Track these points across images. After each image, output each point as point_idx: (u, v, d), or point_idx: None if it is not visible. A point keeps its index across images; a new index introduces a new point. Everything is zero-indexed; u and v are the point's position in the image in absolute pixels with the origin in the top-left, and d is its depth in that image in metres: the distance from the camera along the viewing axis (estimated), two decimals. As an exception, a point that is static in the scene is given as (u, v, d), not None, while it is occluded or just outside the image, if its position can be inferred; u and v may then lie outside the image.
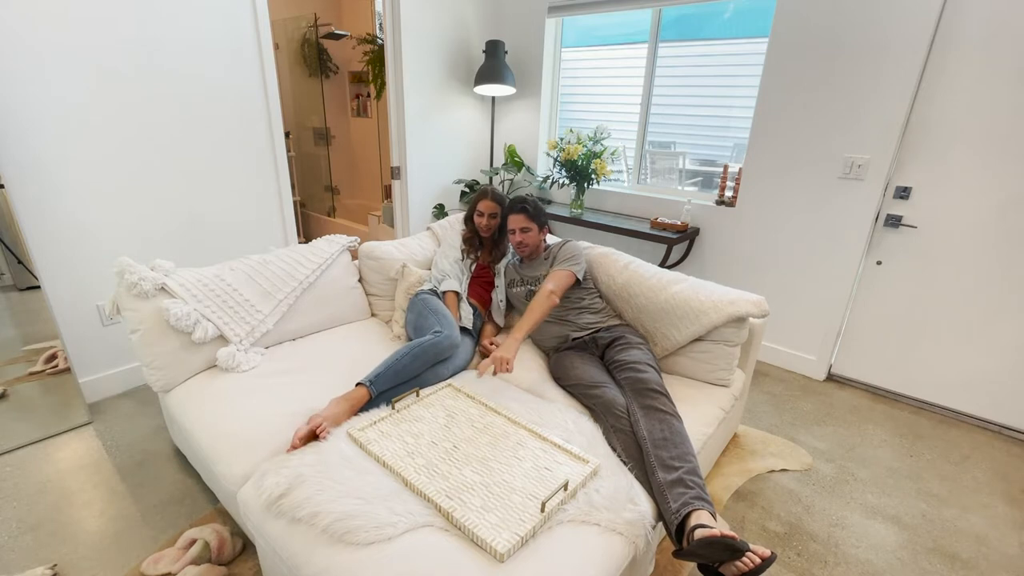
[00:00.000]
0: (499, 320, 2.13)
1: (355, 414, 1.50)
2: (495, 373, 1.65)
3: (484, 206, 2.14)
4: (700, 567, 1.18)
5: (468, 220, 2.22)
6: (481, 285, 2.14)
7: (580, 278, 1.90)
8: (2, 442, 1.91)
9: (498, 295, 2.12)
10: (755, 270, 2.79)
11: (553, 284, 1.82)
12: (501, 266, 2.16)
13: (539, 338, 2.01)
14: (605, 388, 1.60)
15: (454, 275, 2.10)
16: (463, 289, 2.08)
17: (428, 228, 2.48)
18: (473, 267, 2.17)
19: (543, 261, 2.01)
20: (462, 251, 2.19)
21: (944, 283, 2.31)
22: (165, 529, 1.59)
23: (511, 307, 2.16)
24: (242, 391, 1.62)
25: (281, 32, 4.58)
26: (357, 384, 1.55)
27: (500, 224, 2.16)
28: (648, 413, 1.46)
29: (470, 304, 2.06)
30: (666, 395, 1.52)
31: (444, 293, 2.03)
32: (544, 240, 2.04)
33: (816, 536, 1.68)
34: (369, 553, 1.05)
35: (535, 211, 1.97)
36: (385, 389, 1.58)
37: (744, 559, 1.08)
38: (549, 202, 3.52)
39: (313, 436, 1.38)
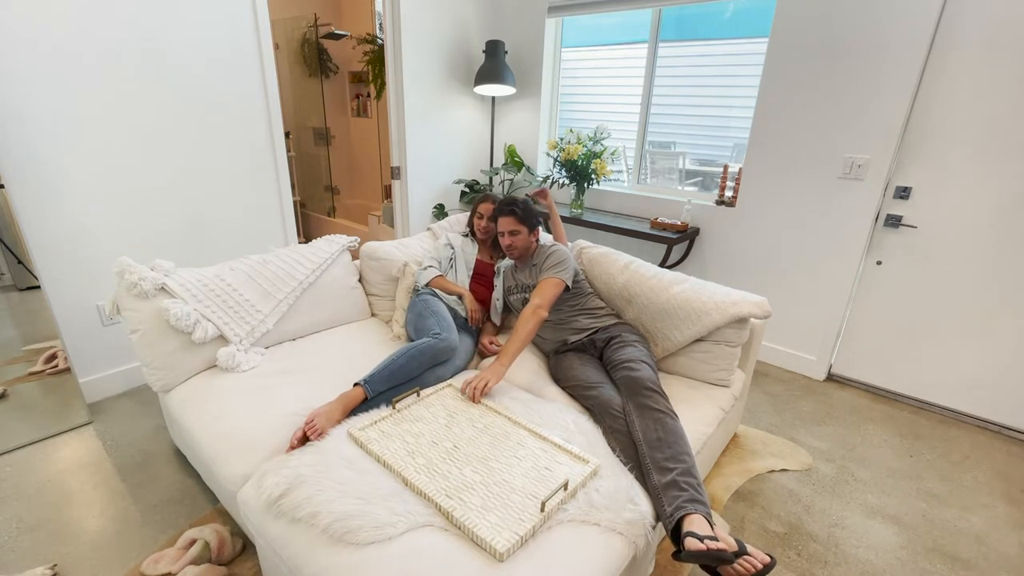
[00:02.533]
0: (496, 319, 2.12)
1: (350, 413, 1.50)
2: (473, 396, 1.56)
3: (484, 208, 2.15)
4: (702, 567, 1.18)
5: (469, 221, 2.25)
6: (482, 284, 2.14)
7: (569, 284, 1.85)
8: (2, 442, 1.91)
9: (495, 294, 2.11)
10: (755, 270, 2.79)
11: (540, 298, 1.76)
12: (502, 265, 2.15)
13: (538, 341, 2.01)
14: (601, 388, 1.60)
15: (436, 265, 2.13)
16: (464, 284, 2.10)
17: (428, 228, 2.48)
18: (473, 264, 2.17)
19: (532, 266, 1.96)
20: (453, 250, 2.19)
21: (944, 283, 2.31)
22: (165, 529, 1.59)
23: (508, 309, 2.15)
24: (242, 391, 1.62)
25: (281, 32, 4.58)
26: (355, 384, 1.56)
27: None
28: (642, 412, 1.45)
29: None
30: (660, 392, 1.51)
31: (431, 282, 2.05)
32: (536, 241, 2.00)
33: (816, 536, 1.68)
34: (369, 553, 1.06)
35: (525, 213, 1.91)
36: (383, 390, 1.58)
37: (740, 563, 1.08)
38: (549, 202, 3.51)
39: (307, 437, 1.38)
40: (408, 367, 1.63)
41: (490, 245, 2.24)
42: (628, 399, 1.52)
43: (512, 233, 1.91)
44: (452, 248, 2.19)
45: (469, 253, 2.18)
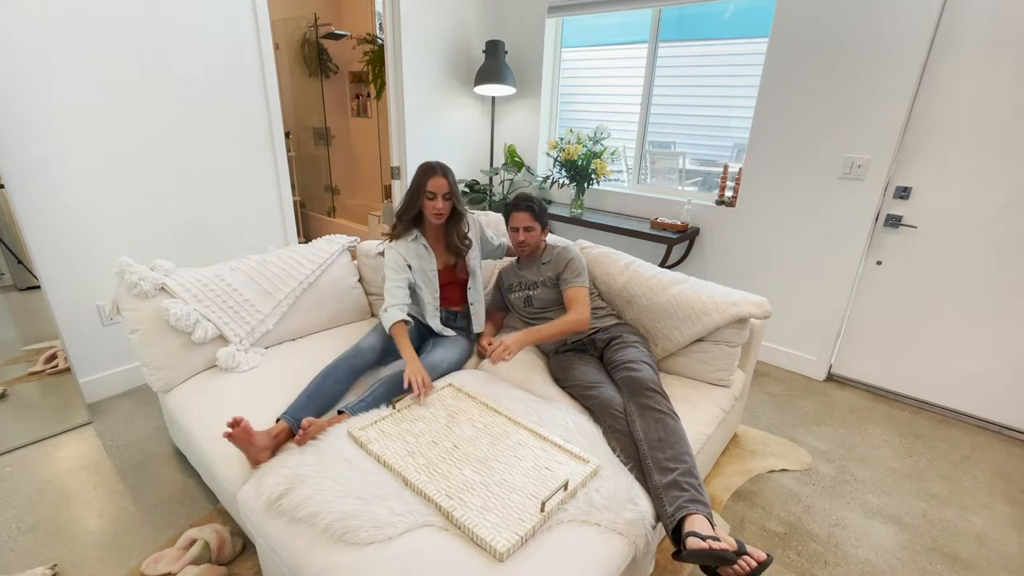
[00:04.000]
0: (477, 327, 1.99)
1: (280, 446, 1.38)
2: (492, 358, 1.62)
3: (436, 184, 1.73)
4: (701, 567, 1.18)
5: (408, 206, 1.79)
6: (458, 286, 1.94)
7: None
8: (2, 442, 1.91)
9: (471, 296, 1.95)
10: (755, 270, 2.79)
11: (584, 308, 1.78)
12: (474, 260, 1.95)
13: (538, 340, 2.01)
14: (602, 388, 1.60)
15: (397, 299, 1.76)
16: (433, 303, 1.88)
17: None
18: (436, 278, 1.88)
19: (541, 264, 1.96)
20: (412, 272, 1.84)
21: (944, 283, 2.31)
22: (165, 529, 1.59)
23: (508, 308, 2.13)
24: (242, 391, 1.62)
25: (281, 32, 4.58)
26: (277, 420, 1.44)
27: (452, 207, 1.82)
28: (644, 412, 1.46)
29: (447, 312, 1.95)
30: (662, 393, 1.51)
31: (391, 329, 1.70)
32: (544, 241, 2.01)
33: (816, 536, 1.68)
34: (369, 553, 1.06)
35: (540, 211, 1.90)
36: (311, 415, 1.47)
37: (740, 563, 1.08)
38: (549, 202, 3.51)
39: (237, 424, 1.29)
40: (324, 385, 1.55)
41: (445, 239, 1.87)
42: (630, 399, 1.52)
43: (527, 230, 1.90)
44: (411, 268, 1.83)
45: (428, 269, 1.85)
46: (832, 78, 2.33)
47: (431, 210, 1.76)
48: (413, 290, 1.86)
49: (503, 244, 2.14)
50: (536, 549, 1.09)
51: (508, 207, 1.95)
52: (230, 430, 1.28)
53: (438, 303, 1.90)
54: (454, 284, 1.94)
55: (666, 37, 2.91)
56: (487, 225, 2.17)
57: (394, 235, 1.84)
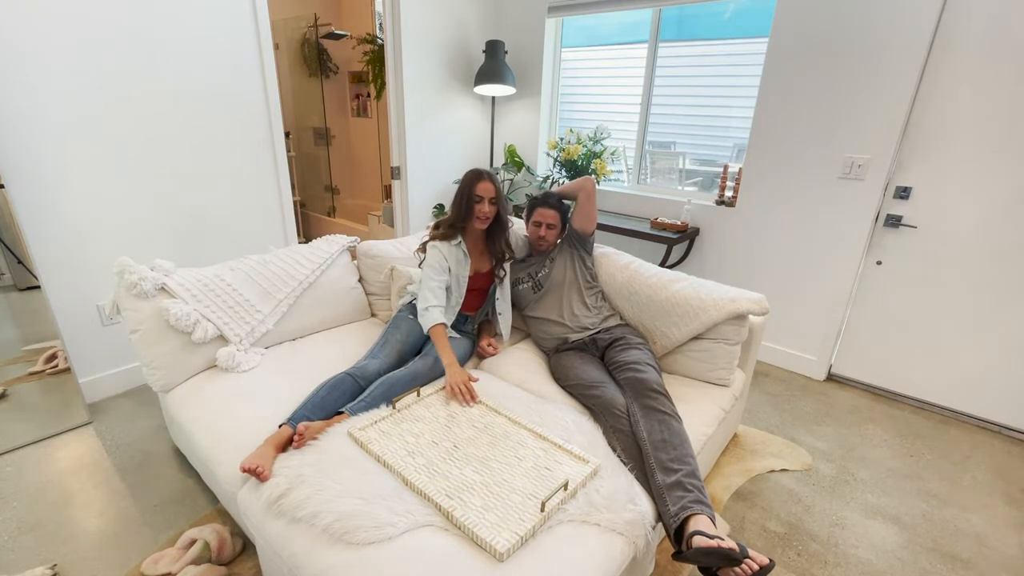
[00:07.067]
0: (502, 331, 2.01)
1: (282, 451, 1.36)
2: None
3: (484, 189, 1.79)
4: (700, 568, 1.18)
5: (462, 212, 1.83)
6: (478, 296, 1.98)
7: (588, 231, 1.97)
8: (2, 442, 1.91)
9: (499, 307, 2.00)
10: (755, 270, 2.79)
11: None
12: (505, 274, 1.98)
13: (538, 340, 2.01)
14: (604, 388, 1.60)
15: (439, 300, 1.79)
16: (455, 308, 1.90)
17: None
18: (466, 283, 1.90)
19: (551, 260, 2.02)
20: (450, 275, 1.86)
21: (944, 283, 2.31)
22: (165, 529, 1.59)
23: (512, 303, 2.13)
24: (242, 391, 1.62)
25: (281, 32, 4.58)
26: (280, 425, 1.43)
27: (496, 214, 1.87)
28: (648, 413, 1.46)
29: (461, 315, 1.96)
30: (666, 395, 1.52)
31: (430, 330, 1.73)
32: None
33: (816, 536, 1.68)
34: (369, 553, 1.06)
35: (565, 212, 1.99)
36: (313, 419, 1.46)
37: (743, 565, 1.08)
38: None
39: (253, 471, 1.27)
40: (330, 397, 1.53)
41: (484, 245, 1.94)
42: (633, 400, 1.52)
43: (550, 227, 1.96)
44: (450, 271, 1.85)
45: (462, 274, 1.88)
46: (832, 78, 2.33)
47: (478, 213, 1.82)
48: (449, 300, 1.89)
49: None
50: (536, 549, 1.09)
51: (536, 201, 1.99)
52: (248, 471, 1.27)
53: (459, 307, 1.92)
54: (478, 291, 1.98)
55: (666, 37, 2.91)
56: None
57: (440, 236, 1.87)
